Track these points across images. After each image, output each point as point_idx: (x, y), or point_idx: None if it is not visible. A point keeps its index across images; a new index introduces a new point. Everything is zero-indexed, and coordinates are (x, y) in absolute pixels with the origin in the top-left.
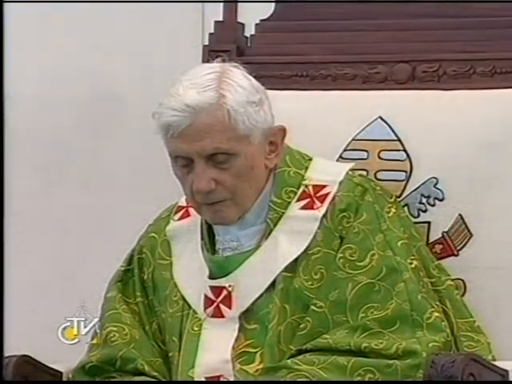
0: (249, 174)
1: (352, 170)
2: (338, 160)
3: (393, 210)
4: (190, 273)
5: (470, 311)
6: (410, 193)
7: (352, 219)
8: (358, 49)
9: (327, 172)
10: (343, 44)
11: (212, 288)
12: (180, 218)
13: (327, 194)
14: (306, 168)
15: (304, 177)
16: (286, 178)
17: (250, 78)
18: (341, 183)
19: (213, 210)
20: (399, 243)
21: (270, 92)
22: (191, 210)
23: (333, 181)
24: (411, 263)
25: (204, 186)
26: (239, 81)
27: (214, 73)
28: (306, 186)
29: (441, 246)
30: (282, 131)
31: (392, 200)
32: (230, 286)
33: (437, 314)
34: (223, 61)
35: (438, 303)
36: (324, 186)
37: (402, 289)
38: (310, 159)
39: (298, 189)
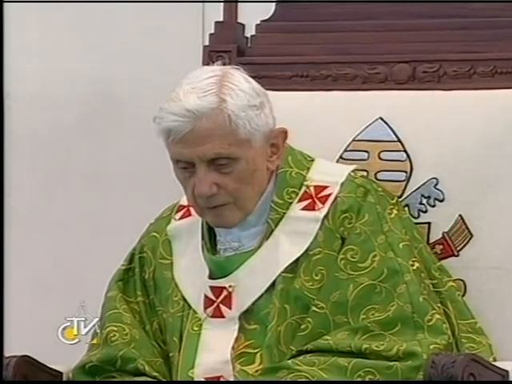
0: (251, 178)
1: (354, 171)
2: (338, 161)
3: (395, 211)
4: (190, 273)
5: (471, 312)
6: (411, 193)
7: (354, 220)
8: (358, 49)
9: (329, 173)
10: (343, 44)
11: (212, 288)
12: (181, 218)
13: (329, 195)
14: (308, 169)
15: (306, 177)
16: (287, 179)
17: (251, 80)
18: (342, 184)
19: (215, 213)
20: (401, 245)
21: (270, 92)
22: (192, 210)
23: (335, 182)
24: (413, 265)
25: (206, 191)
26: (240, 84)
27: (215, 76)
28: (308, 187)
29: (441, 247)
30: (284, 133)
31: (394, 201)
32: (230, 286)
33: (438, 316)
34: (224, 63)
35: (439, 305)
36: (325, 187)
37: (404, 291)
38: (312, 160)
39: (299, 189)
